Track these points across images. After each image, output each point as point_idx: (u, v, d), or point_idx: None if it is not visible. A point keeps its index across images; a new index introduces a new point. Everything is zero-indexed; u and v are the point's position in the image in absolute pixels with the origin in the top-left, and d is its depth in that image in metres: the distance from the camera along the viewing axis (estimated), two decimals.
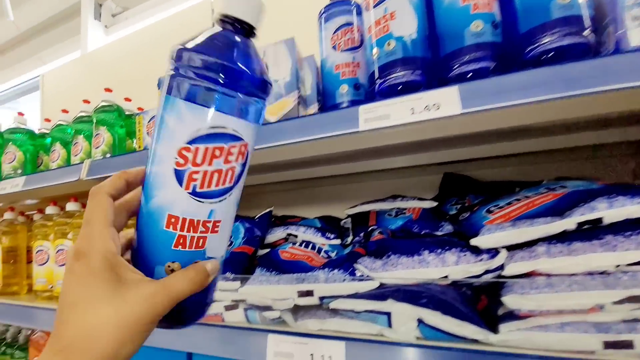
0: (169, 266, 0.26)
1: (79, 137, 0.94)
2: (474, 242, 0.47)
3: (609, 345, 0.38)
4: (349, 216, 0.78)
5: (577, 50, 0.43)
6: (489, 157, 0.72)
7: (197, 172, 0.26)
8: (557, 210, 0.46)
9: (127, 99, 1.03)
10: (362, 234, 0.67)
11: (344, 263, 0.54)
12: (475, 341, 0.43)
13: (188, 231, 0.26)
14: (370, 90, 0.57)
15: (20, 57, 2.34)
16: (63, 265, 0.86)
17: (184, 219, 0.26)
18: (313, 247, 0.67)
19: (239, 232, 0.70)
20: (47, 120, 1.20)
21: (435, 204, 0.70)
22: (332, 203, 0.98)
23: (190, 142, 0.26)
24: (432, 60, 0.52)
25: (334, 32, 0.64)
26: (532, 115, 0.44)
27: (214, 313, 0.59)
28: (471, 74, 0.47)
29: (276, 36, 0.65)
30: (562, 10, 0.43)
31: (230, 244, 0.69)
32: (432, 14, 0.53)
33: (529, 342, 0.41)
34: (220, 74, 0.25)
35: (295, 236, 0.72)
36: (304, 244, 0.68)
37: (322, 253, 0.66)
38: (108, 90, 0.93)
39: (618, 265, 0.39)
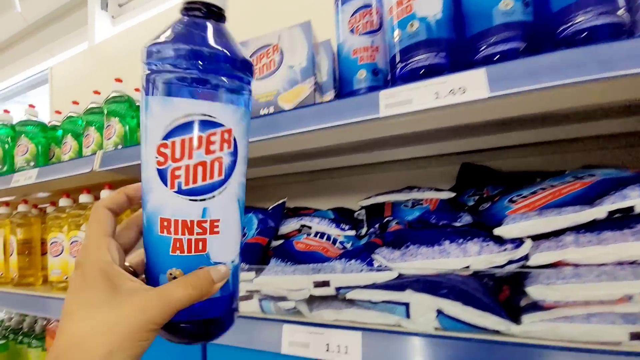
0: (170, 273, 0.25)
1: (90, 129, 0.94)
2: (497, 231, 0.46)
3: (635, 336, 0.37)
4: (362, 207, 0.78)
5: (611, 30, 0.40)
6: (510, 146, 0.70)
7: (178, 168, 0.25)
8: (586, 198, 0.45)
9: (138, 90, 1.03)
10: (377, 225, 0.66)
11: (362, 253, 0.53)
12: (496, 332, 0.42)
13: (183, 234, 0.25)
14: (391, 76, 0.54)
15: (28, 50, 2.35)
16: None
17: (176, 221, 0.25)
18: (328, 238, 0.67)
19: (252, 223, 0.70)
20: (58, 112, 1.20)
21: (453, 194, 0.68)
22: (345, 195, 0.97)
23: (166, 137, 0.24)
24: (457, 42, 0.50)
25: (352, 15, 0.62)
26: (563, 99, 0.42)
27: None
28: (499, 55, 0.45)
29: (291, 20, 0.63)
30: None
31: (243, 235, 0.68)
32: None
33: (552, 333, 0.40)
34: (180, 59, 0.24)
35: (309, 227, 0.72)
36: (318, 235, 0.67)
37: (337, 244, 0.66)
38: (118, 80, 0.92)
39: None
